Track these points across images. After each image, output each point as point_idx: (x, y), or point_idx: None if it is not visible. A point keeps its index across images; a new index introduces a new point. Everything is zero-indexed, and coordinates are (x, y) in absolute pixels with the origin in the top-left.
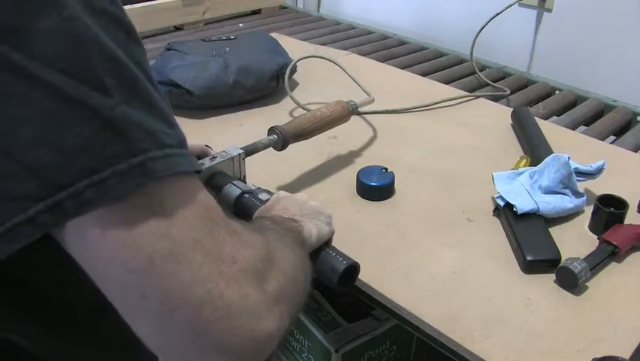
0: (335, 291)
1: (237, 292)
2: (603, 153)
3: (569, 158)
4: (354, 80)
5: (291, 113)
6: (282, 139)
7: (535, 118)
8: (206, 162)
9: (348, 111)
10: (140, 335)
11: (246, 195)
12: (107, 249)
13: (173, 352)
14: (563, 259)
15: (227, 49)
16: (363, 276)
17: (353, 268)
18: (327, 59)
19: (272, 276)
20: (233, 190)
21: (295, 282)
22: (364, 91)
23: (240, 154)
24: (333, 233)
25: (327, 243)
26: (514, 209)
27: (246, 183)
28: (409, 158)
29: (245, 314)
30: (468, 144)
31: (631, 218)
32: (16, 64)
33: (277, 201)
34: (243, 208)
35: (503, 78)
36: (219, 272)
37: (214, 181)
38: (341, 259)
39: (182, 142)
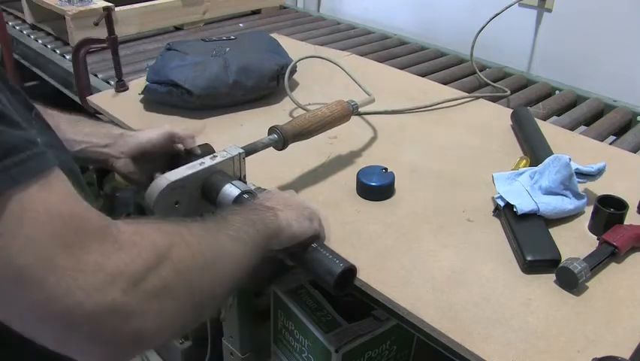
0: (331, 293)
1: (99, 299)
2: (603, 153)
3: (569, 159)
4: (354, 80)
5: (290, 114)
6: (282, 139)
7: (535, 119)
8: (206, 161)
9: (349, 111)
10: (27, 335)
11: (245, 196)
12: None
13: (53, 348)
14: (563, 260)
15: (228, 49)
16: (363, 276)
17: (350, 271)
18: (327, 59)
19: (154, 275)
20: (232, 190)
21: (200, 276)
22: (364, 91)
23: (240, 153)
24: (318, 231)
25: (321, 243)
26: (515, 209)
27: (246, 182)
28: (409, 158)
29: (108, 318)
30: (468, 144)
31: (631, 219)
32: None
33: (266, 195)
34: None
35: (503, 78)
36: (77, 285)
37: (213, 180)
38: (337, 261)
39: (9, 150)
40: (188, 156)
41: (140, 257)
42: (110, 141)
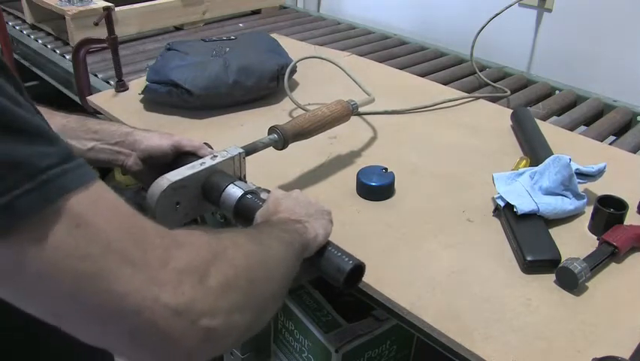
0: (340, 290)
1: (172, 293)
2: (602, 154)
3: (570, 159)
4: (354, 80)
5: (290, 114)
6: (282, 138)
7: (535, 119)
8: (207, 161)
9: (349, 111)
10: (83, 340)
11: (249, 196)
12: (26, 282)
13: (122, 352)
14: (562, 260)
15: (228, 49)
16: (363, 276)
17: (359, 268)
18: (327, 60)
19: (216, 270)
20: (235, 191)
21: (256, 275)
22: (364, 91)
23: (240, 153)
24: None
25: (330, 242)
26: (515, 210)
27: (246, 182)
28: (409, 158)
29: (182, 311)
30: (468, 144)
31: (631, 219)
32: None
33: (278, 202)
34: (244, 209)
35: (503, 78)
36: (150, 278)
37: (214, 180)
38: (347, 258)
39: (66, 156)
40: (192, 157)
41: (199, 255)
42: (120, 139)
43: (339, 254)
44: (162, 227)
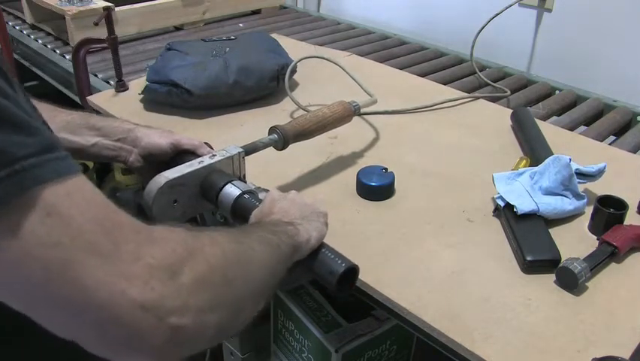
0: (335, 294)
1: (141, 288)
2: (602, 154)
3: (570, 159)
4: (356, 81)
5: (291, 114)
6: (282, 139)
7: (535, 119)
8: (206, 160)
9: (350, 112)
10: (53, 331)
11: (246, 196)
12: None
13: (88, 346)
14: (562, 260)
15: (228, 49)
16: (363, 276)
17: (352, 271)
18: (327, 59)
19: (189, 268)
20: (232, 190)
21: (232, 274)
22: (367, 92)
23: (239, 153)
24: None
25: (324, 244)
26: (515, 209)
27: (245, 182)
28: (409, 158)
29: (150, 308)
30: (468, 144)
31: (631, 219)
32: None
33: (273, 203)
34: (240, 208)
35: (503, 78)
36: (119, 272)
37: (212, 179)
38: (339, 261)
39: (47, 148)
40: (191, 155)
41: (174, 251)
42: (122, 136)
43: (332, 256)
44: (141, 223)
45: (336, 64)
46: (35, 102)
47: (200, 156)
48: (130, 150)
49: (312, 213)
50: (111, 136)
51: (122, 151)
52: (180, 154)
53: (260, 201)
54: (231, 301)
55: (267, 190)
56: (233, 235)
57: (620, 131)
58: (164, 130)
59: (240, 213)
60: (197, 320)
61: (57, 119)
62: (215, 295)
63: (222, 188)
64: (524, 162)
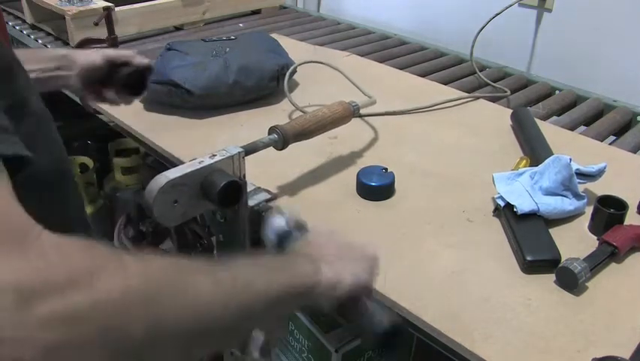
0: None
1: None
2: (603, 154)
3: (570, 159)
4: (355, 85)
5: (290, 115)
6: (282, 139)
7: (535, 119)
8: (206, 160)
9: (350, 112)
10: None
11: (293, 233)
12: None
13: None
14: (562, 260)
15: (228, 49)
16: None
17: (396, 331)
18: (327, 65)
19: (59, 298)
20: (280, 221)
21: (138, 313)
22: (365, 94)
23: (239, 153)
24: (374, 280)
25: (367, 293)
26: (515, 209)
27: (245, 181)
28: (408, 158)
29: None
30: (468, 144)
31: (631, 219)
32: None
33: (313, 237)
34: (280, 243)
35: (503, 78)
36: None
37: (213, 179)
38: (379, 317)
39: None
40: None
41: (46, 272)
42: (59, 63)
43: (373, 310)
44: (28, 231)
45: (336, 69)
46: None
47: (137, 66)
48: (68, 75)
49: (357, 255)
50: (48, 65)
51: (60, 78)
52: (116, 68)
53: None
54: (112, 356)
55: (268, 191)
56: (176, 266)
57: (620, 131)
58: (97, 49)
59: (281, 245)
60: (43, 356)
61: None
62: (81, 344)
63: (267, 219)
64: (524, 162)
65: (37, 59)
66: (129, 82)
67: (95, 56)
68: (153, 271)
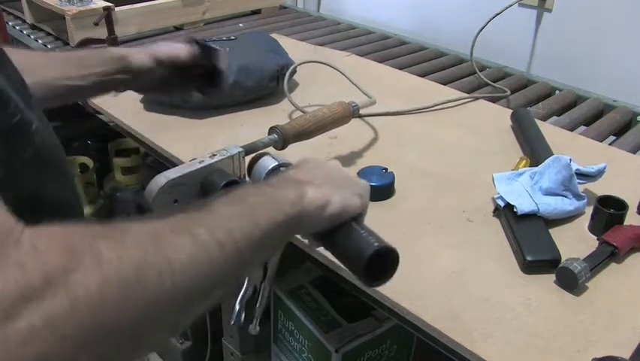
0: (366, 284)
1: None
2: (603, 154)
3: (570, 160)
4: (355, 85)
5: (290, 115)
6: (282, 139)
7: (535, 119)
8: (206, 160)
9: (350, 112)
10: None
11: (282, 169)
12: None
13: None
14: (562, 260)
15: (228, 49)
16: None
17: (387, 255)
18: (327, 65)
19: (35, 309)
20: (268, 162)
21: (120, 303)
22: (365, 94)
23: (239, 152)
24: (365, 208)
25: (357, 220)
26: (515, 210)
27: (245, 181)
28: (408, 158)
29: None
30: (468, 144)
31: (631, 219)
32: None
33: (302, 164)
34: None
35: (503, 78)
36: None
37: (213, 178)
38: (373, 240)
39: None
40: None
41: (23, 281)
42: (117, 66)
43: (365, 234)
44: (7, 233)
45: (336, 69)
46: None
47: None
48: (128, 79)
49: (343, 180)
50: (105, 70)
51: (123, 83)
52: (176, 71)
53: None
54: (107, 341)
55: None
56: (152, 235)
57: (620, 131)
58: (145, 45)
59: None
60: None
61: (56, 63)
62: (72, 340)
63: (258, 160)
64: (524, 162)
65: (97, 62)
66: (200, 82)
67: (146, 60)
68: (128, 250)
